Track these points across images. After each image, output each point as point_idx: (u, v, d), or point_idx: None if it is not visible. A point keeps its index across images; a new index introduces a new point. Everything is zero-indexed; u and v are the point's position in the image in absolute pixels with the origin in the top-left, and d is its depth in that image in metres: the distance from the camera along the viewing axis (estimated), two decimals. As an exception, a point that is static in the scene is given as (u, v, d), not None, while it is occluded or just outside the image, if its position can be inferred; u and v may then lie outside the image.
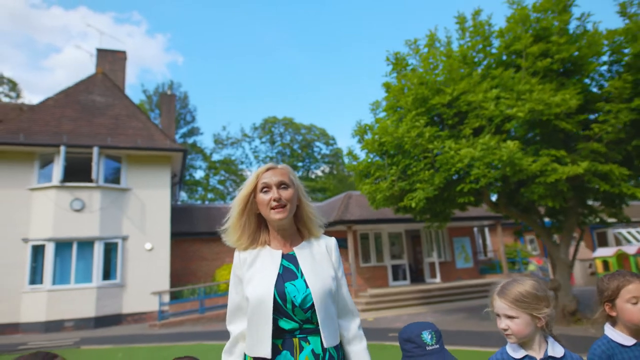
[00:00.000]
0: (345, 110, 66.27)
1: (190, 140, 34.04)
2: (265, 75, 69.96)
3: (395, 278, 14.75)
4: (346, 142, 57.33)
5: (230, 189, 35.00)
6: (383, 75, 9.10)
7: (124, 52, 17.20)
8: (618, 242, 18.37)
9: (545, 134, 7.16)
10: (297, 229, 1.54)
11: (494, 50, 8.52)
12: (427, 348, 1.35)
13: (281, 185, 1.44)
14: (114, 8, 68.35)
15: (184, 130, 33.86)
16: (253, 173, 1.51)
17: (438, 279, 14.75)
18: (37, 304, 12.04)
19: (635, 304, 1.45)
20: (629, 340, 1.46)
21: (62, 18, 62.89)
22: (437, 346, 1.36)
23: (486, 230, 17.84)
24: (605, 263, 13.51)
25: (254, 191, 1.47)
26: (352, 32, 72.04)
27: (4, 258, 12.09)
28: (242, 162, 34.76)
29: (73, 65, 59.59)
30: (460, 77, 7.98)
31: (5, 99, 31.08)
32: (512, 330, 1.37)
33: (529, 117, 6.64)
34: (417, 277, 15.92)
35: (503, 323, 1.39)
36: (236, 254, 1.50)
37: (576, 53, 7.49)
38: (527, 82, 6.98)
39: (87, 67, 59.27)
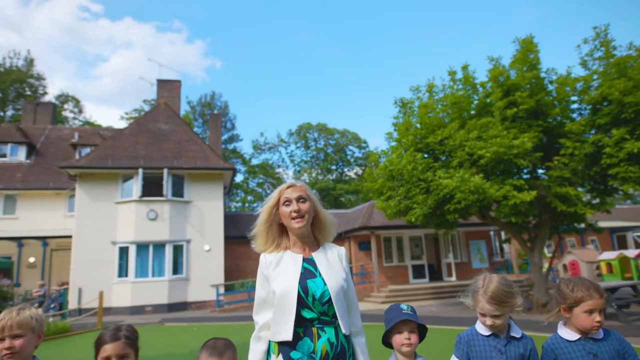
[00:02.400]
0: (378, 110, 68.59)
1: (230, 146, 38.01)
2: (301, 75, 73.47)
3: (416, 276, 17.55)
4: (377, 143, 60.03)
5: (268, 191, 38.65)
6: (391, 117, 11.93)
7: (179, 81, 21.01)
8: (637, 245, 20.03)
9: (509, 167, 9.77)
10: (314, 237, 1.91)
11: (480, 90, 11.14)
12: (403, 312, 1.84)
13: (300, 199, 1.81)
14: (156, 17, 74.28)
15: (224, 137, 37.85)
16: (276, 190, 1.91)
17: (454, 278, 17.38)
18: (124, 293, 15.94)
19: (590, 314, 1.74)
20: (573, 336, 1.79)
21: (109, 29, 69.36)
22: (412, 313, 1.84)
23: (502, 233, 20.10)
24: (609, 265, 15.56)
25: (277, 204, 1.85)
26: (386, 31, 73.86)
27: (99, 257, 16.08)
28: (278, 166, 38.41)
29: (119, 74, 65.74)
30: (451, 119, 10.73)
31: (70, 115, 36.39)
32: (496, 325, 1.76)
33: (494, 156, 9.32)
34: (437, 275, 18.59)
35: (489, 321, 1.76)
36: (262, 256, 1.86)
37: (540, 101, 10.02)
38: (496, 128, 9.63)
39: (133, 76, 65.09)
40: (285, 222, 1.84)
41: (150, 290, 15.99)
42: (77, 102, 36.30)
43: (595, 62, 10.11)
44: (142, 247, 16.30)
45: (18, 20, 61.67)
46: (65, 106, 36.16)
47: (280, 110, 71.09)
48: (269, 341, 1.75)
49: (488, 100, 10.88)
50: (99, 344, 1.64)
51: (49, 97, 35.17)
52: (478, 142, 9.67)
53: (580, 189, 10.71)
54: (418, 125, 11.48)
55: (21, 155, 20.99)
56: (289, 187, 1.87)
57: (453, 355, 1.88)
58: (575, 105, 10.75)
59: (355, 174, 38.67)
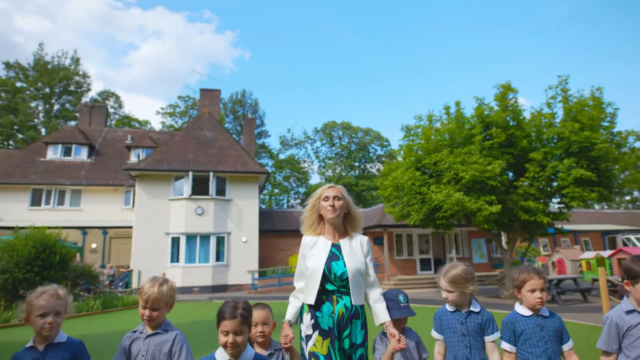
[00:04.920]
0: (403, 106, 71.58)
1: (259, 142, 42.42)
2: (329, 68, 77.05)
3: (423, 268, 21.51)
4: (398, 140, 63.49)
5: (294, 185, 43.00)
6: (399, 139, 15.72)
7: (219, 90, 25.38)
8: (626, 246, 23.22)
9: (484, 186, 13.50)
10: (344, 228, 2.74)
11: (468, 124, 14.83)
12: (400, 305, 2.56)
13: (335, 197, 2.66)
14: (187, 7, 79.22)
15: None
16: (320, 188, 2.78)
17: (456, 271, 21.22)
18: (175, 276, 20.53)
19: (532, 292, 2.37)
20: (527, 312, 2.43)
21: (140, 18, 74.73)
22: (407, 304, 2.59)
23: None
24: (589, 263, 19.07)
25: (319, 199, 2.71)
26: (414, 25, 76.23)
27: (155, 245, 20.73)
28: (304, 161, 42.67)
29: (149, 62, 71.11)
30: (444, 145, 14.52)
31: (111, 110, 41.54)
32: (449, 299, 2.49)
33: (471, 177, 13.09)
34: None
35: (444, 294, 2.51)
36: (303, 239, 2.72)
37: (512, 134, 13.67)
38: (476, 155, 13.36)
39: (163, 65, 70.14)
40: (322, 212, 2.70)
41: (197, 274, 20.57)
42: (117, 97, 41.55)
43: (557, 105, 13.70)
44: (190, 238, 20.85)
45: (51, 7, 67.61)
46: (107, 102, 41.39)
47: (307, 103, 75.31)
48: (302, 303, 2.61)
49: (473, 130, 14.56)
50: (219, 318, 2.07)
51: (92, 94, 40.42)
52: (462, 165, 13.46)
53: (548, 201, 14.35)
54: (421, 144, 15.29)
55: (83, 154, 25.95)
56: (329, 187, 2.73)
57: (432, 329, 2.62)
58: (544, 136, 14.33)
59: (377, 170, 42.49)
